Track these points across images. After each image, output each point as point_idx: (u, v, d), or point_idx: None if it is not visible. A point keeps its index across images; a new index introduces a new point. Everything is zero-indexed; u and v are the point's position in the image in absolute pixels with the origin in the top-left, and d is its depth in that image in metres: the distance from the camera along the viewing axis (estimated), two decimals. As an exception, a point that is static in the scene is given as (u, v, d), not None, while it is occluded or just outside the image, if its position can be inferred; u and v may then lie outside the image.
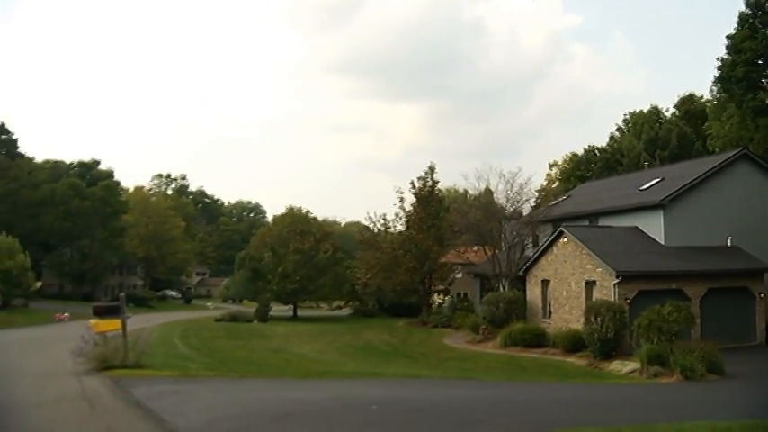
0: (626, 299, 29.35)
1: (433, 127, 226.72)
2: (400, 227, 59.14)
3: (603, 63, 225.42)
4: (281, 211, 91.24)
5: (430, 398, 13.50)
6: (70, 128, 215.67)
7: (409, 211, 57.34)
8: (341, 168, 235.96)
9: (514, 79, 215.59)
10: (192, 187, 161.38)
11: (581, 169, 73.85)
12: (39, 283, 74.86)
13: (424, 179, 57.02)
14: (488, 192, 48.31)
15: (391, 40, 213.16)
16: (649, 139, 66.13)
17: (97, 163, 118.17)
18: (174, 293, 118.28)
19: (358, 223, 71.21)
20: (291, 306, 74.30)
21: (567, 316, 33.35)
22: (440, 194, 59.54)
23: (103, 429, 9.51)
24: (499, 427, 7.84)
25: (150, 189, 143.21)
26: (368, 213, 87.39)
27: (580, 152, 77.59)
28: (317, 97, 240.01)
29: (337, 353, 37.68)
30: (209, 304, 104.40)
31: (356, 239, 69.75)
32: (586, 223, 39.53)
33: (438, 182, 57.72)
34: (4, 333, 48.57)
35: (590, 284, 32.00)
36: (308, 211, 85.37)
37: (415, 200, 56.95)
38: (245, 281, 75.34)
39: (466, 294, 58.22)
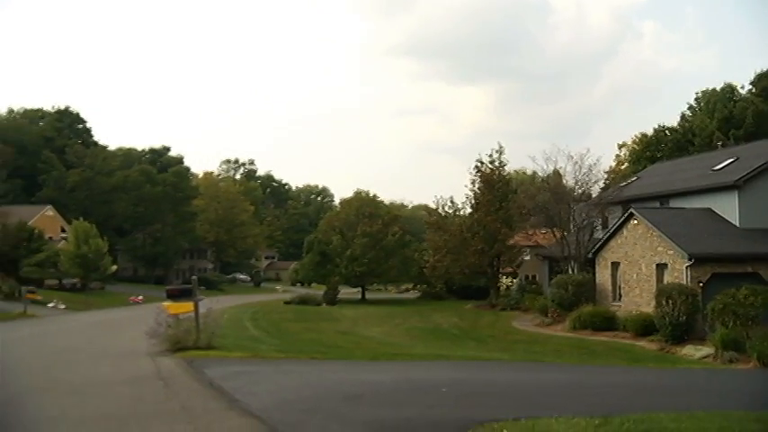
0: (699, 282, 28.79)
1: (500, 109, 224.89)
2: (468, 209, 58.96)
3: (674, 40, 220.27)
4: (348, 194, 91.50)
5: (499, 381, 13.47)
6: (141, 115, 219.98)
7: (477, 194, 57.08)
8: (407, 151, 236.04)
9: (582, 58, 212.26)
10: (260, 172, 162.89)
11: (651, 150, 72.24)
12: (114, 267, 76.55)
13: (490, 161, 56.68)
14: (557, 174, 47.80)
15: (455, 22, 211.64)
16: (723, 118, 64.33)
17: (167, 149, 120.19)
18: (243, 277, 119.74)
19: (425, 206, 70.98)
20: (359, 289, 74.68)
21: (638, 299, 32.87)
22: (507, 176, 59.11)
23: (179, 408, 9.73)
24: (569, 411, 7.80)
25: (219, 174, 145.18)
26: (435, 196, 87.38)
27: (650, 132, 75.89)
28: (383, 81, 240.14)
29: (406, 335, 37.82)
30: (278, 287, 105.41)
31: (424, 222, 69.80)
32: (657, 205, 38.82)
33: (505, 164, 57.31)
34: (83, 315, 50.01)
35: (661, 267, 31.46)
36: (375, 195, 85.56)
37: (481, 182, 56.67)
38: (314, 264, 75.87)
39: (534, 277, 57.78)
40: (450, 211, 60.98)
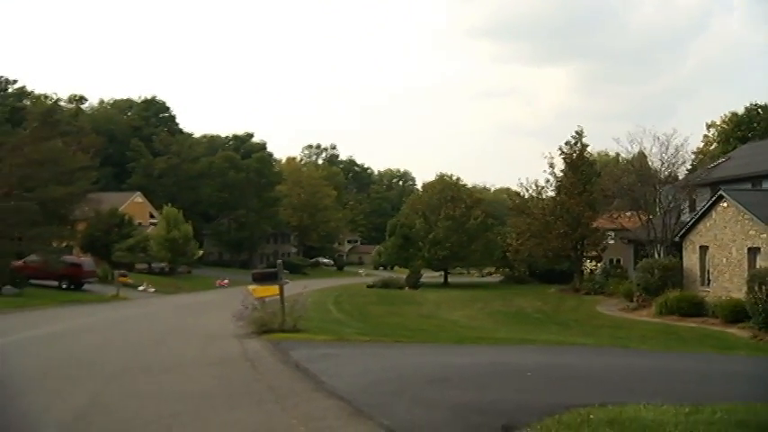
0: (795, 267, 27.84)
1: (582, 89, 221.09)
2: (551, 192, 58.34)
3: (766, 12, 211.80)
4: (430, 178, 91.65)
5: (584, 366, 13.34)
6: (224, 102, 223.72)
7: (560, 177, 56.43)
8: (489, 134, 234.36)
9: (667, 35, 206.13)
10: (343, 156, 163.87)
11: (742, 129, 69.92)
12: (201, 252, 78.36)
13: (572, 143, 55.92)
14: (642, 155, 46.87)
15: (536, 1, 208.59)
16: (819, 96, 61.87)
17: (250, 136, 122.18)
18: (326, 261, 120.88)
19: (508, 189, 70.58)
20: (442, 273, 74.68)
21: (728, 284, 31.95)
22: (590, 159, 58.22)
23: (266, 388, 9.95)
24: (656, 398, 7.69)
25: (302, 159, 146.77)
26: (518, 179, 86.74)
27: (740, 111, 73.47)
28: (463, 63, 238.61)
29: (489, 319, 37.75)
30: (360, 271, 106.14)
31: (506, 205, 69.37)
32: (749, 186, 37.65)
33: (587, 146, 56.49)
34: (172, 298, 51.39)
35: (753, 251, 30.49)
36: (458, 178, 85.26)
37: (564, 165, 55.98)
38: (397, 248, 76.11)
39: (619, 261, 56.79)
40: (534, 195, 60.41)
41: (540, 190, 59.71)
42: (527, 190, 60.68)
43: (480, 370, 11.59)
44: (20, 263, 44.82)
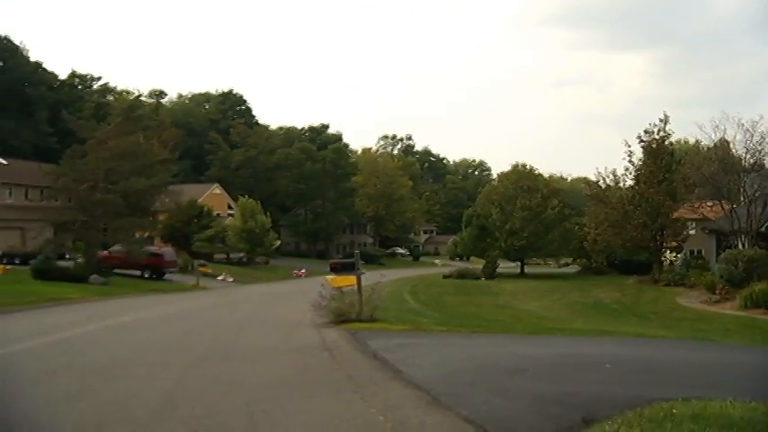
0: None
1: (660, 75, 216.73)
2: (630, 181, 57.27)
3: None
4: (506, 168, 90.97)
5: (664, 359, 13.10)
6: (300, 94, 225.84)
7: (638, 165, 55.38)
8: (565, 123, 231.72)
9: (751, 15, 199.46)
10: (418, 147, 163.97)
11: (833, 115, 67.51)
12: (278, 242, 79.37)
13: (652, 131, 54.74)
14: (725, 142, 45.69)
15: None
16: None
17: (326, 127, 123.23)
18: (402, 251, 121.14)
19: (585, 178, 69.41)
20: (518, 263, 74.22)
21: (819, 277, 30.91)
22: (671, 147, 56.93)
23: (344, 377, 10.06)
24: (743, 394, 7.50)
25: (377, 150, 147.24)
26: (595, 168, 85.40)
27: (831, 97, 70.84)
28: (537, 52, 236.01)
29: (566, 310, 37.36)
30: (436, 261, 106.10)
31: (583, 195, 68.38)
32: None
33: (669, 134, 55.15)
34: (250, 287, 52.21)
35: None
36: (533, 168, 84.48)
37: (643, 153, 54.92)
38: (473, 238, 75.90)
39: (700, 252, 55.42)
40: (612, 184, 59.41)
41: (617, 179, 58.71)
42: (604, 179, 59.73)
43: (558, 361, 11.50)
44: (105, 253, 46.20)
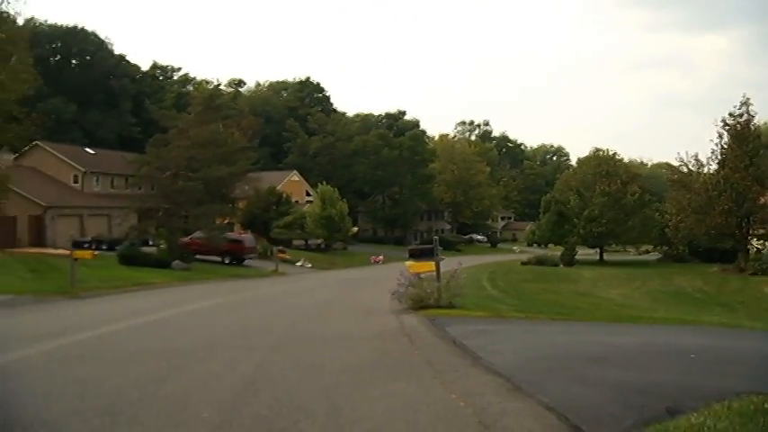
0: None
1: (746, 55, 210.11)
2: (714, 166, 55.85)
3: None
4: (584, 153, 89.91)
5: (753, 350, 12.75)
6: (376, 81, 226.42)
7: (723, 149, 53.96)
8: (645, 107, 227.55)
9: None
10: (495, 133, 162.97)
11: None
12: (355, 229, 79.99)
13: (738, 114, 53.23)
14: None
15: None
16: None
17: (403, 114, 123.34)
18: (479, 237, 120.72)
19: (666, 164, 68.11)
20: (597, 250, 73.32)
21: None
22: (758, 130, 55.28)
23: (424, 363, 10.08)
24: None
25: (454, 136, 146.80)
26: (677, 153, 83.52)
27: None
28: (614, 35, 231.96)
29: (646, 298, 36.77)
30: (514, 248, 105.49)
31: (664, 181, 67.10)
32: None
33: (754, 116, 53.54)
34: (328, 273, 52.73)
35: None
36: (613, 153, 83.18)
37: (728, 137, 53.47)
38: (551, 224, 75.22)
39: (790, 240, 53.85)
40: (695, 169, 58.07)
41: (699, 164, 57.33)
42: (687, 165, 58.39)
43: (640, 350, 11.32)
44: (187, 239, 47.22)
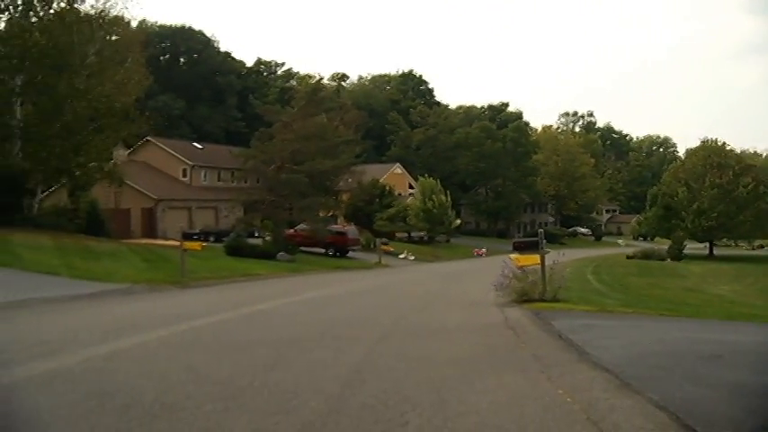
0: None
1: None
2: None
3: None
4: (692, 144, 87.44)
5: None
6: (479, 73, 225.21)
7: None
8: (757, 93, 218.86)
9: None
10: (600, 123, 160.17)
11: None
12: (458, 221, 79.90)
13: None
14: None
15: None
16: None
17: (506, 105, 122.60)
18: (583, 230, 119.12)
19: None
20: (706, 244, 71.39)
21: None
22: None
23: (529, 356, 10.02)
24: None
25: (558, 127, 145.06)
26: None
27: None
28: (716, 19, 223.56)
29: (760, 295, 35.53)
30: (619, 241, 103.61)
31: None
32: None
33: None
34: (431, 266, 52.90)
35: None
36: (724, 143, 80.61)
37: None
38: (658, 218, 73.60)
39: None
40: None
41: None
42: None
43: (757, 349, 10.96)
44: (291, 231, 48.10)
